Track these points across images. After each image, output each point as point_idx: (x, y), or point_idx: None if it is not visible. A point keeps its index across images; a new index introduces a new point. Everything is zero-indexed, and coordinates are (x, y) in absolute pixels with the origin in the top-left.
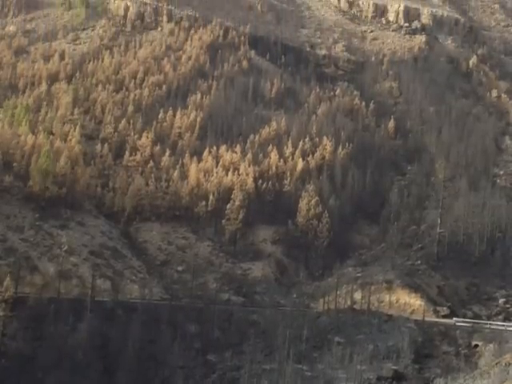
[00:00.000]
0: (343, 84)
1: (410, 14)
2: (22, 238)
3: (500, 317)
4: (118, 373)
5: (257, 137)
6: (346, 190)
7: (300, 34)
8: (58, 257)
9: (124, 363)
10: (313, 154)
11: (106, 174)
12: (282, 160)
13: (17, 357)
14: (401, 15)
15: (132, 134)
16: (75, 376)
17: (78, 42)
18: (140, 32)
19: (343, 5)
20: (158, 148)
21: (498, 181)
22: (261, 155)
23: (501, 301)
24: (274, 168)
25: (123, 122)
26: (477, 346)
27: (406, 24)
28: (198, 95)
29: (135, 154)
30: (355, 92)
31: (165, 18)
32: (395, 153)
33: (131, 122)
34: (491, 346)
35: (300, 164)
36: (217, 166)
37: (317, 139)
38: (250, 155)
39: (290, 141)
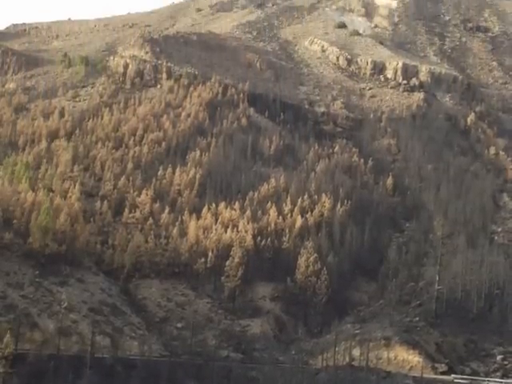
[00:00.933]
0: (342, 141)
1: (408, 72)
2: (22, 294)
3: (498, 373)
4: None
5: (256, 194)
6: (345, 247)
7: (299, 92)
8: (57, 313)
9: None
10: (311, 211)
11: (105, 231)
12: (280, 217)
13: None
14: (399, 72)
15: (131, 191)
16: None
17: (77, 99)
18: (139, 89)
19: (342, 62)
20: (157, 205)
21: (496, 238)
22: (260, 212)
23: (499, 357)
24: (272, 225)
25: (123, 179)
26: None
27: (405, 81)
28: (198, 152)
29: (135, 211)
30: (354, 149)
31: (164, 76)
32: (393, 210)
33: (131, 179)
34: None
35: (299, 221)
36: (216, 223)
37: (315, 196)
38: (248, 212)
39: (288, 198)
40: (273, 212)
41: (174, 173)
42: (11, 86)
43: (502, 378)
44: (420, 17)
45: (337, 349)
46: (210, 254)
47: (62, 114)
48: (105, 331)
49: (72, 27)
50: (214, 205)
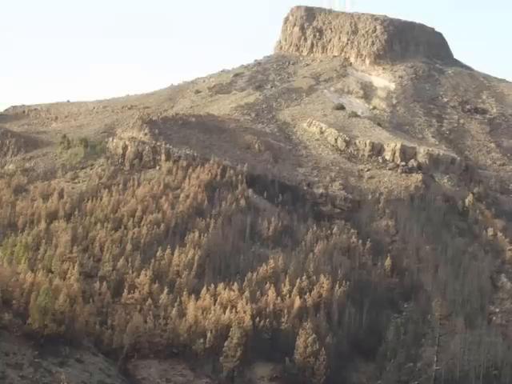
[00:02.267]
0: (340, 222)
1: (406, 153)
2: (21, 375)
3: None
4: None
5: (254, 274)
6: (343, 328)
7: (297, 173)
8: None
9: None
10: (310, 292)
11: (104, 312)
12: (279, 298)
13: None
14: (397, 154)
15: (130, 272)
16: None
17: (76, 180)
18: (138, 171)
19: (340, 144)
20: (156, 286)
21: (494, 318)
22: (258, 293)
23: None
24: (271, 306)
25: (122, 260)
26: None
27: (403, 163)
28: (196, 233)
29: (133, 292)
30: (352, 230)
31: (163, 157)
32: (392, 291)
33: (129, 260)
34: None
35: (297, 302)
36: (215, 304)
37: (314, 277)
38: (247, 293)
39: (287, 279)
40: (271, 293)
41: (172, 254)
42: (10, 167)
43: None
44: (418, 99)
45: None
46: (208, 334)
47: (61, 196)
48: None
49: (71, 109)
50: (212, 285)
